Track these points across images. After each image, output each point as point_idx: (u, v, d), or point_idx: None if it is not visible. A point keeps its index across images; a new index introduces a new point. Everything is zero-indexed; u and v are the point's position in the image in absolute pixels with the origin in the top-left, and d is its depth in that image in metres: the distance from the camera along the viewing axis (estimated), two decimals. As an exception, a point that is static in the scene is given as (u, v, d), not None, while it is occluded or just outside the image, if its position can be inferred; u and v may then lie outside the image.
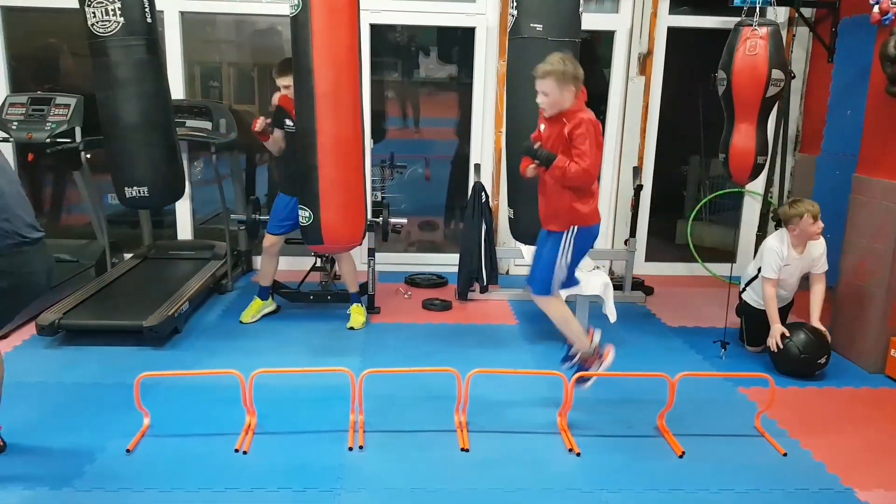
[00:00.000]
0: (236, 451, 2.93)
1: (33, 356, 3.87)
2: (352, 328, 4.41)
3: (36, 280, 2.71)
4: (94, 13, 3.66)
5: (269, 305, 4.59)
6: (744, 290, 4.25)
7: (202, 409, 3.30)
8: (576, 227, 3.07)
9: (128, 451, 2.91)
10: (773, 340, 3.87)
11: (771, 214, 4.66)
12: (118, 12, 3.66)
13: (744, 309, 4.26)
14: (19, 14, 5.36)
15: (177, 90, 5.36)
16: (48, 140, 4.60)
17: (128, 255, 5.35)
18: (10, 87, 5.32)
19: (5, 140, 4.74)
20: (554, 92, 2.92)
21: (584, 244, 3.12)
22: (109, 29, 3.68)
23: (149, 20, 3.81)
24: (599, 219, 3.18)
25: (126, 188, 3.98)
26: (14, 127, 4.67)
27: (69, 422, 3.15)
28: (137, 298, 4.40)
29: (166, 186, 4.11)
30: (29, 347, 3.98)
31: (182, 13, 5.29)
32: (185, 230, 5.64)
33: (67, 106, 4.74)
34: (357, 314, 4.48)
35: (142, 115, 3.89)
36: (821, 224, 3.90)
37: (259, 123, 4.11)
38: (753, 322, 4.17)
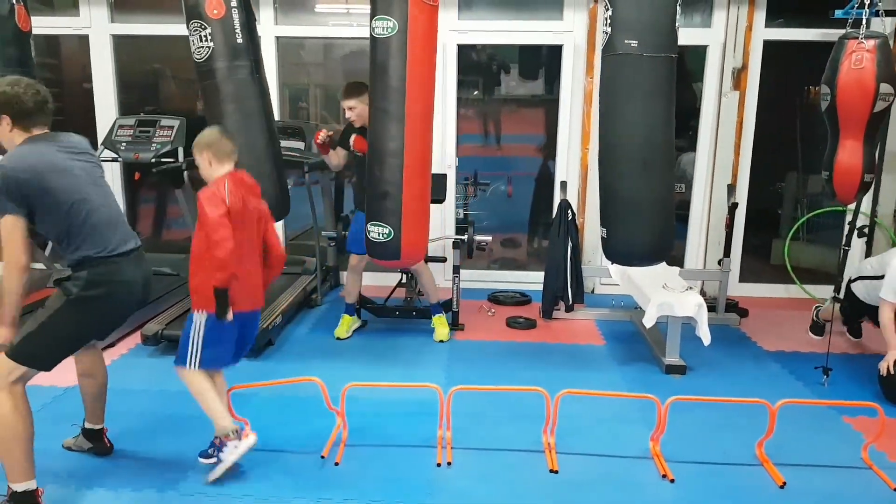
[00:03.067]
0: (323, 457, 2.99)
1: (138, 365, 4.07)
2: (441, 341, 4.48)
3: (131, 290, 2.75)
4: (192, 41, 3.87)
5: (357, 321, 4.68)
6: (854, 281, 4.06)
7: (295, 419, 3.39)
8: (205, 312, 2.81)
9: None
10: (886, 365, 3.69)
11: (857, 231, 4.47)
12: (208, 38, 3.82)
13: (847, 297, 4.14)
14: (127, 41, 5.71)
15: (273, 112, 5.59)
16: (153, 160, 4.86)
17: (223, 269, 5.54)
18: (119, 110, 5.65)
19: (114, 160, 5.03)
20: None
21: (219, 333, 2.83)
22: (202, 55, 3.86)
23: (239, 41, 3.88)
24: (243, 305, 2.88)
25: None
26: (122, 147, 4.95)
27: (172, 428, 3.29)
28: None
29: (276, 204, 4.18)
30: (134, 356, 4.19)
31: (278, 38, 5.50)
32: (276, 246, 5.83)
33: (171, 127, 5.00)
34: (441, 326, 4.54)
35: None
36: None
37: (321, 136, 4.25)
38: (857, 313, 4.09)
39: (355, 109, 4.19)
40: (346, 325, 4.59)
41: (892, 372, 3.64)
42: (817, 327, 4.67)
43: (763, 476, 2.97)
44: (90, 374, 2.94)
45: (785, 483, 2.89)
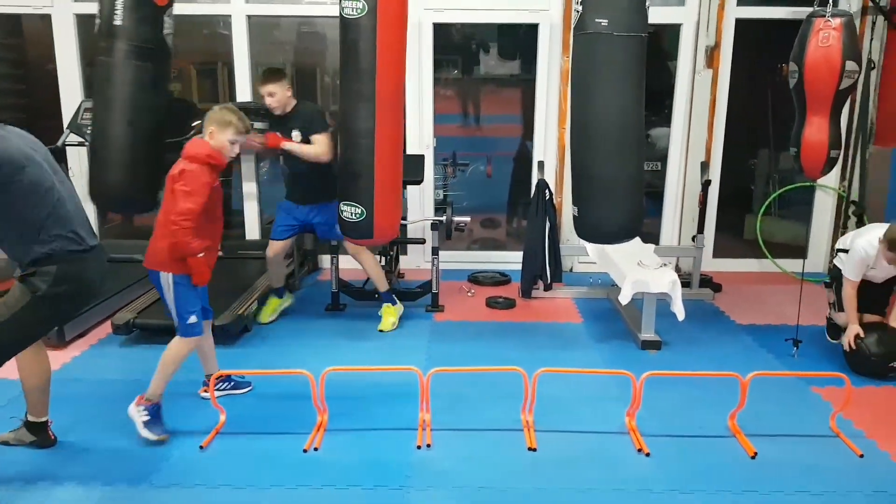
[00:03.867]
0: (305, 451, 2.98)
1: (109, 355, 4.01)
2: (381, 330, 4.35)
3: (93, 286, 2.78)
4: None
5: (287, 300, 4.59)
6: (836, 255, 4.11)
7: (274, 406, 3.38)
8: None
9: (201, 447, 3.00)
10: (847, 340, 3.77)
11: (852, 210, 4.50)
12: (97, 14, 3.69)
13: (834, 274, 4.10)
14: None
15: (244, 93, 5.51)
16: (121, 144, 4.74)
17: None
18: (84, 92, 5.49)
19: (81, 144, 4.93)
20: None
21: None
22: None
23: (117, 22, 3.65)
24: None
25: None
26: (89, 131, 4.82)
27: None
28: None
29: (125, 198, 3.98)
30: (105, 346, 4.13)
31: (249, 17, 5.41)
32: (252, 230, 5.79)
33: (139, 110, 4.88)
34: (388, 315, 4.41)
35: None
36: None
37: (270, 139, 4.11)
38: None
39: (275, 95, 4.04)
40: (272, 308, 4.49)
41: (854, 347, 3.73)
42: (835, 329, 4.24)
43: (735, 447, 3.04)
44: (34, 369, 2.86)
45: (756, 453, 2.96)
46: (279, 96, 4.04)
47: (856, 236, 3.92)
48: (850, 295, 3.84)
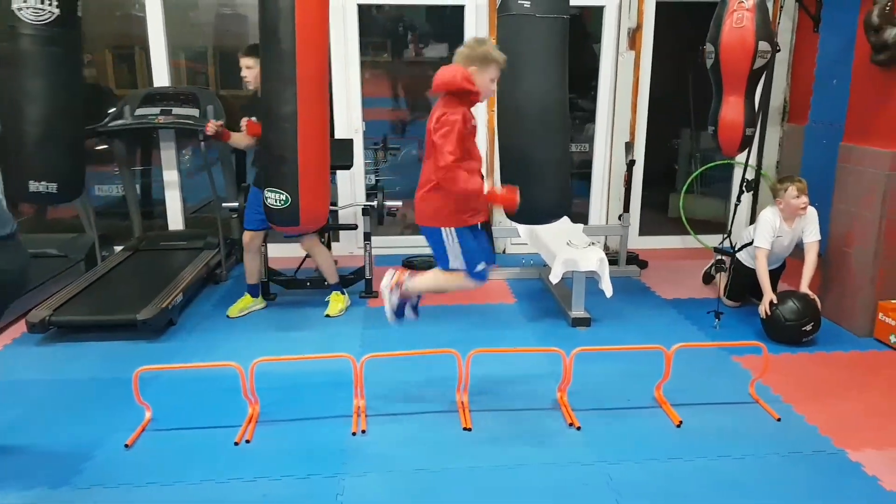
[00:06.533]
0: (236, 444, 2.91)
1: (25, 354, 3.83)
2: (328, 315, 4.37)
3: (9, 279, 2.62)
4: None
5: (259, 303, 4.50)
6: (738, 250, 4.41)
7: (203, 400, 3.29)
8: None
9: (126, 446, 2.89)
10: (763, 308, 3.95)
11: (744, 185, 4.77)
12: (54, 3, 3.60)
13: (736, 267, 4.45)
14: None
15: (161, 77, 5.31)
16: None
17: (118, 248, 5.30)
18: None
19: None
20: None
21: None
22: (42, 18, 3.61)
23: (79, 14, 3.73)
24: None
25: (31, 182, 4.05)
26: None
27: (65, 419, 3.11)
28: (130, 291, 4.38)
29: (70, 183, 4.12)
30: (20, 345, 3.94)
31: (164, -1, 5.22)
32: (175, 220, 5.60)
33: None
34: (336, 301, 4.45)
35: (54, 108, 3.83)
36: (805, 199, 4.02)
37: (211, 128, 4.05)
38: (740, 279, 4.41)
39: (252, 69, 3.97)
40: (243, 304, 4.42)
41: (769, 314, 3.93)
42: (709, 277, 5.00)
43: (662, 417, 3.14)
44: None
45: (681, 422, 3.06)
46: (256, 71, 3.93)
47: (757, 221, 4.20)
48: (762, 265, 4.06)
